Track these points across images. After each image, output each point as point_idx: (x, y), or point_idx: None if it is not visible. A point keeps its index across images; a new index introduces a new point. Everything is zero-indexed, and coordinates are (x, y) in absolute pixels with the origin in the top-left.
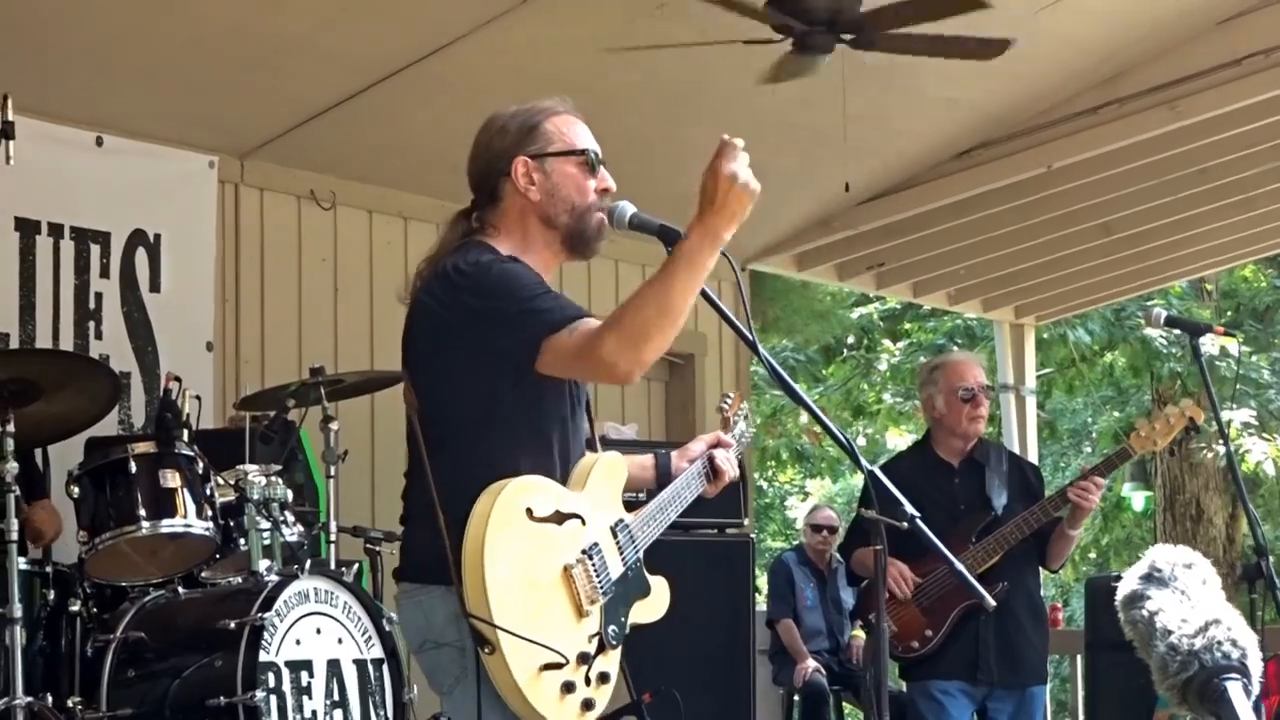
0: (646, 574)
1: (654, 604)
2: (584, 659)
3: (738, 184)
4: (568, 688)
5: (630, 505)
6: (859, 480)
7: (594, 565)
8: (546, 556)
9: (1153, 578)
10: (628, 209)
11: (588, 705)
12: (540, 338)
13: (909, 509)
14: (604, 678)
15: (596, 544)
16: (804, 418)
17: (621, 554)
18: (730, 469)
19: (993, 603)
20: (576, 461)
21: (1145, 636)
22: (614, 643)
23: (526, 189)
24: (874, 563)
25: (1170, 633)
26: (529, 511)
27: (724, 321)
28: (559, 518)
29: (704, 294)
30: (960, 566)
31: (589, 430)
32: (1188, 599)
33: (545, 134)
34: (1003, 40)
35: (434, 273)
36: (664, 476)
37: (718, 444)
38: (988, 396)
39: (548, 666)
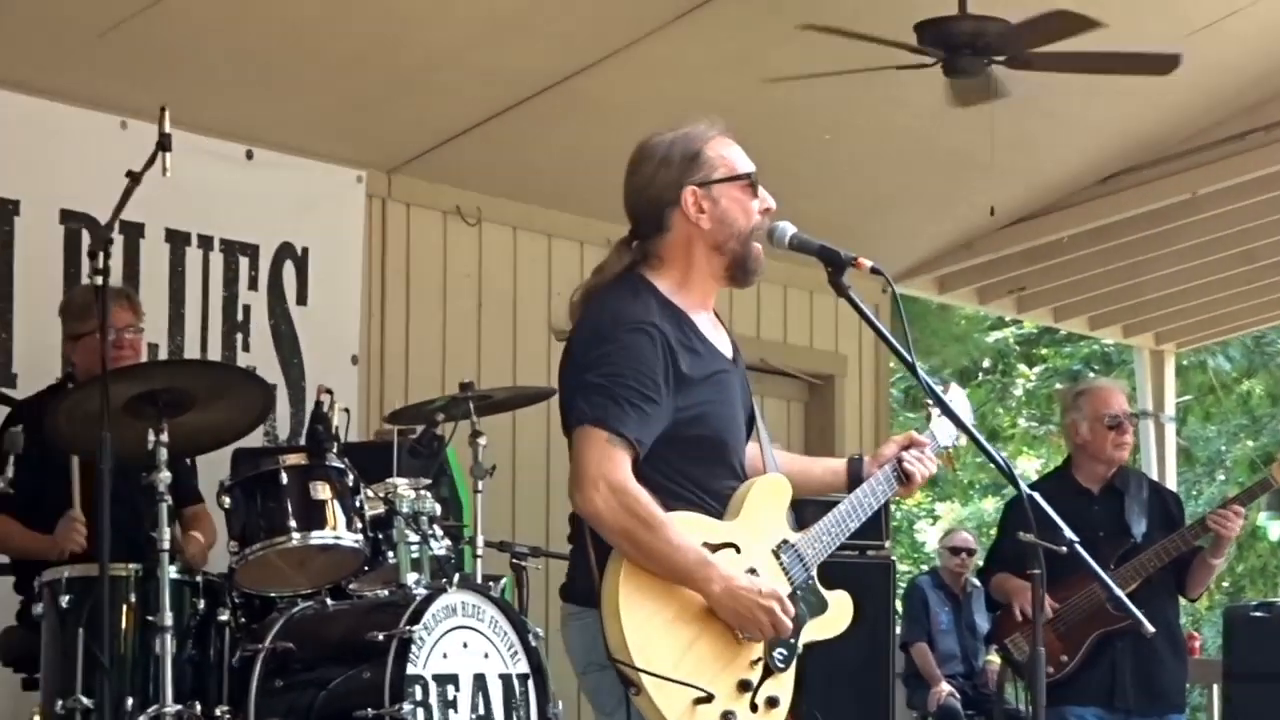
0: (823, 590)
1: (834, 620)
2: (745, 686)
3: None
4: (726, 717)
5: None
6: (989, 505)
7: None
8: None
9: None
10: (788, 229)
11: None
12: (582, 421)
13: (1068, 533)
14: (772, 702)
15: (754, 569)
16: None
17: (788, 574)
18: (921, 469)
19: (1150, 629)
20: (733, 486)
21: None
22: (782, 665)
23: (697, 218)
24: (1031, 586)
25: None
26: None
27: (883, 342)
28: (709, 549)
29: (864, 316)
30: (1119, 592)
31: (758, 450)
32: None
33: (708, 161)
34: (1173, 55)
35: (588, 310)
36: (855, 481)
37: (910, 444)
38: (1132, 424)
39: (699, 701)
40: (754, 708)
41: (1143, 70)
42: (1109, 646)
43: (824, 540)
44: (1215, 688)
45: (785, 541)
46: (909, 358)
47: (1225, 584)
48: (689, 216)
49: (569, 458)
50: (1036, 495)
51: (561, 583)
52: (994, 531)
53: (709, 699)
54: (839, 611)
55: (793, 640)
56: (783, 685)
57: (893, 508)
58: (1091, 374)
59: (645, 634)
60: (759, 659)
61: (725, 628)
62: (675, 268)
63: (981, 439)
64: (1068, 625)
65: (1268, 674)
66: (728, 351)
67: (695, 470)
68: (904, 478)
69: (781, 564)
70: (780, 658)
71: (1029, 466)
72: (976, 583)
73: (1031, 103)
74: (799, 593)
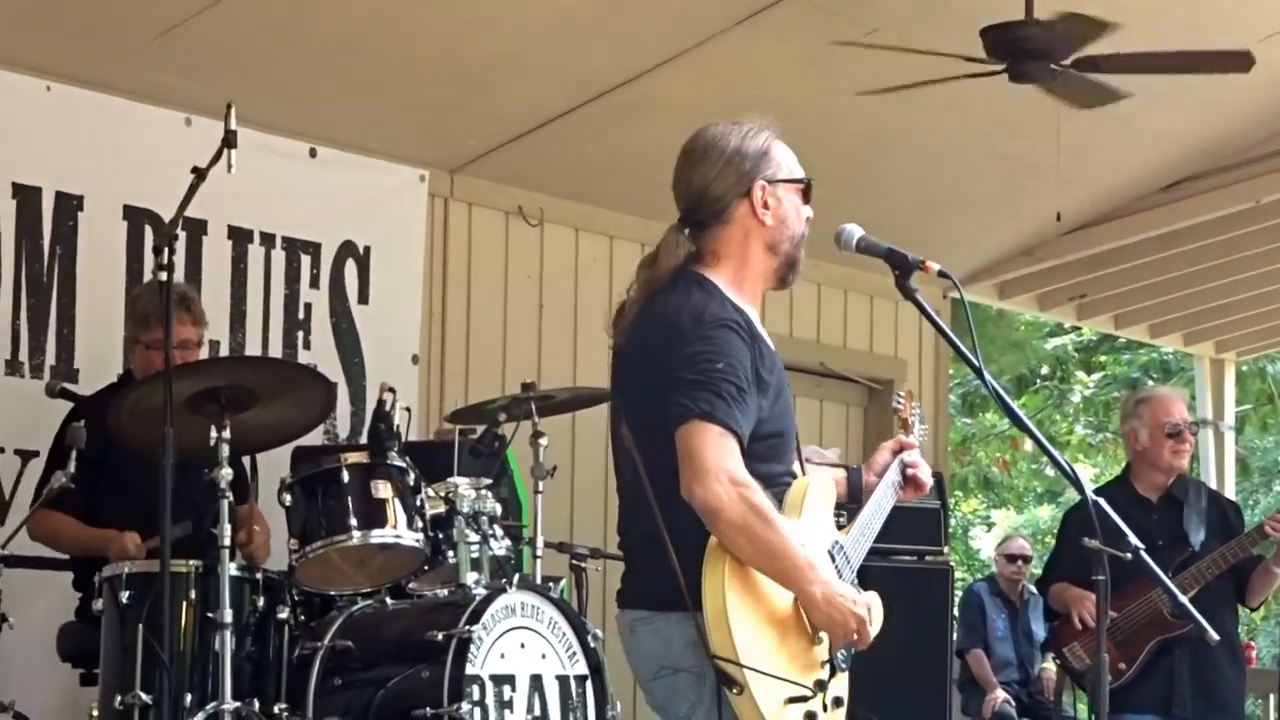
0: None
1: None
2: (820, 685)
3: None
4: (810, 717)
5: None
6: (1045, 512)
7: None
8: (779, 591)
9: None
10: (856, 232)
11: None
12: (689, 417)
13: (1133, 539)
14: (838, 702)
15: (824, 568)
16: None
17: (840, 575)
18: (926, 476)
19: (1215, 636)
20: (792, 474)
21: None
22: (844, 666)
23: (762, 214)
24: (1096, 592)
25: None
26: None
27: (950, 346)
28: None
29: (931, 319)
30: (1184, 599)
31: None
32: None
33: (776, 160)
34: (1244, 52)
35: (655, 312)
36: (854, 490)
37: (901, 448)
38: (1192, 433)
39: (792, 700)
40: (824, 707)
41: (1216, 69)
42: (1167, 654)
43: (861, 542)
44: (1271, 697)
45: (836, 542)
46: (975, 361)
47: None
48: (755, 211)
49: (678, 455)
50: (1102, 501)
51: (619, 589)
52: (1050, 539)
53: (806, 698)
54: (875, 613)
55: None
56: (843, 685)
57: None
58: (1150, 382)
59: (747, 633)
60: (827, 659)
61: (803, 630)
62: (730, 264)
63: (1049, 445)
64: (1126, 633)
65: None
66: (772, 344)
67: (763, 467)
68: (907, 482)
69: (835, 565)
70: (843, 658)
71: (1085, 474)
72: (1033, 590)
73: (1096, 109)
74: None
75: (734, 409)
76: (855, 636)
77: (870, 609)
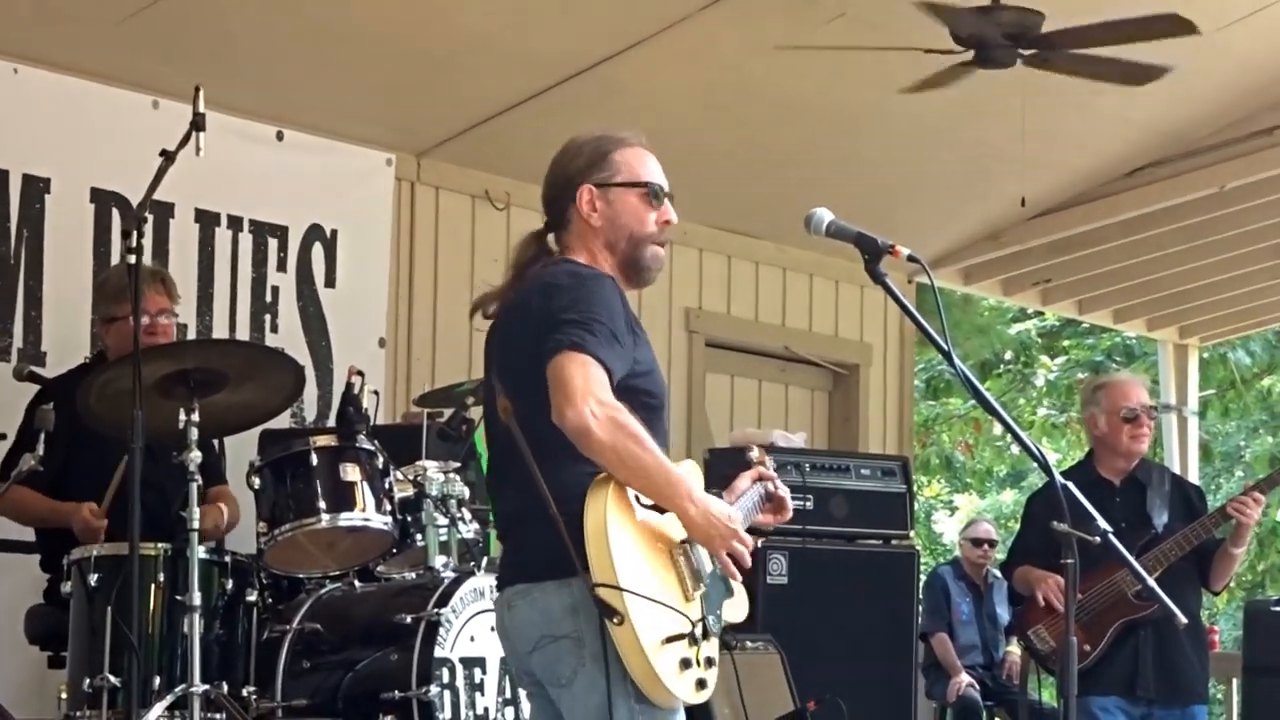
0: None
1: (738, 605)
2: (693, 640)
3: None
4: (685, 663)
5: None
6: (1008, 497)
7: (695, 554)
8: (656, 538)
9: None
10: (825, 216)
11: (701, 684)
12: (561, 347)
13: (1101, 523)
14: (710, 662)
15: (691, 539)
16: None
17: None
18: (788, 498)
19: (1183, 619)
20: None
21: None
22: (714, 631)
23: (589, 215)
24: (1065, 576)
25: None
26: (637, 498)
27: (920, 330)
28: (660, 509)
29: (900, 303)
30: (1152, 582)
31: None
32: None
33: (613, 164)
34: (1160, 67)
35: (530, 280)
36: None
37: (760, 478)
38: (1151, 417)
39: (670, 640)
40: (698, 662)
41: (1128, 80)
42: (1131, 636)
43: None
44: (1234, 681)
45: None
46: (944, 345)
47: (1245, 580)
48: (582, 213)
49: (550, 385)
50: (1071, 485)
51: (497, 577)
52: (1013, 524)
53: (679, 638)
54: (740, 599)
55: (719, 611)
56: (714, 649)
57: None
58: (1114, 366)
59: (627, 565)
60: (701, 619)
61: (680, 581)
62: (583, 258)
63: (1017, 428)
64: (1089, 616)
65: None
66: None
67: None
68: (763, 505)
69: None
70: (714, 620)
71: (1048, 457)
72: (997, 574)
73: (1060, 95)
74: (716, 569)
75: (606, 346)
76: (734, 549)
77: (740, 527)
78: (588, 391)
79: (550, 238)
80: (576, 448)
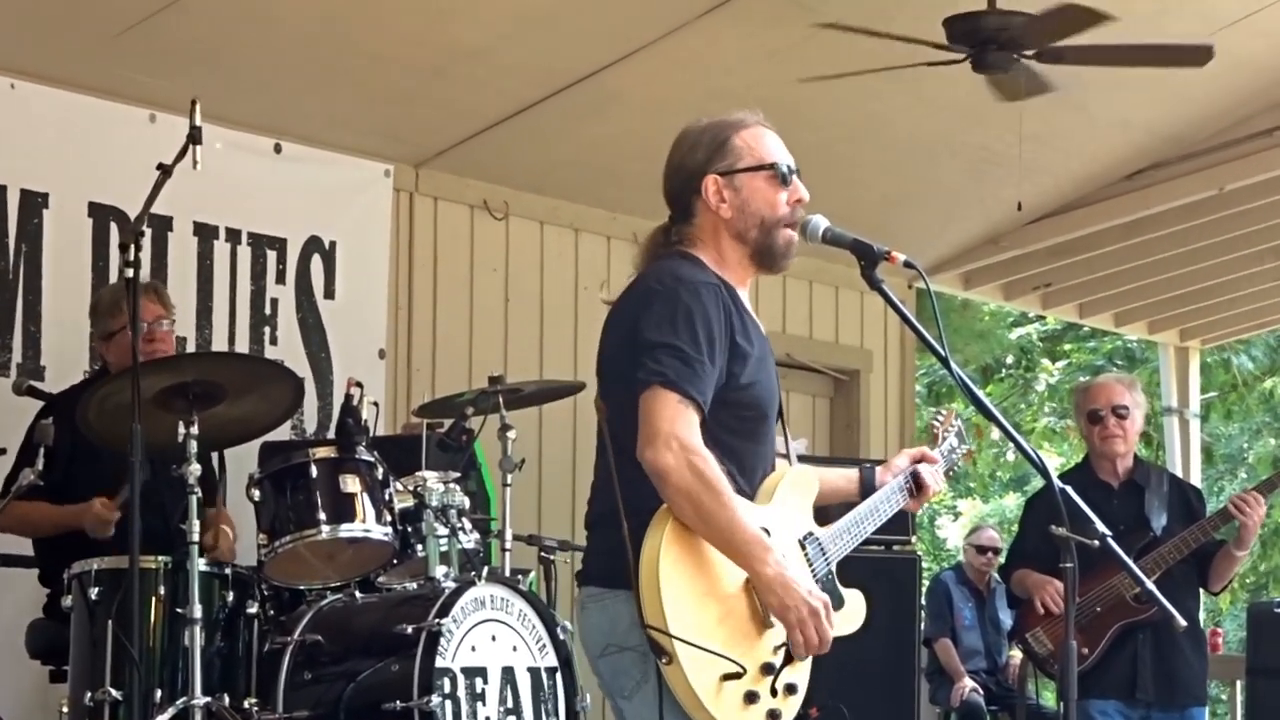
0: (840, 587)
1: (849, 616)
2: (768, 669)
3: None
4: (750, 698)
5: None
6: (1011, 501)
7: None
8: (727, 568)
9: None
10: (821, 224)
11: (773, 715)
12: (651, 381)
13: (1100, 526)
14: (791, 689)
15: (783, 555)
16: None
17: (811, 566)
18: (934, 484)
19: (1183, 622)
20: (764, 474)
21: None
22: (803, 654)
23: (718, 206)
24: (1064, 580)
25: None
26: None
27: (916, 336)
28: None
29: (898, 310)
30: (1151, 585)
31: (783, 443)
32: None
33: (735, 150)
34: (1206, 46)
35: (637, 282)
36: (867, 489)
37: (922, 459)
38: (1121, 417)
39: (728, 677)
40: (774, 692)
41: (1177, 62)
42: (1130, 639)
43: (844, 538)
44: (1238, 684)
45: (811, 534)
46: (942, 351)
47: (1249, 582)
48: (710, 204)
49: (639, 418)
50: (1069, 489)
51: (578, 568)
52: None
53: (738, 675)
54: (854, 609)
55: None
56: (801, 673)
57: None
58: (1114, 369)
59: (681, 605)
60: (782, 644)
61: (754, 609)
62: (708, 250)
63: (1015, 433)
64: (1087, 619)
65: None
66: (764, 332)
67: (735, 441)
68: (915, 490)
69: (806, 555)
70: (790, 644)
71: (1050, 462)
72: (1000, 579)
73: (1059, 98)
74: (820, 584)
75: (697, 375)
76: (806, 628)
77: (827, 606)
78: (672, 434)
79: (673, 231)
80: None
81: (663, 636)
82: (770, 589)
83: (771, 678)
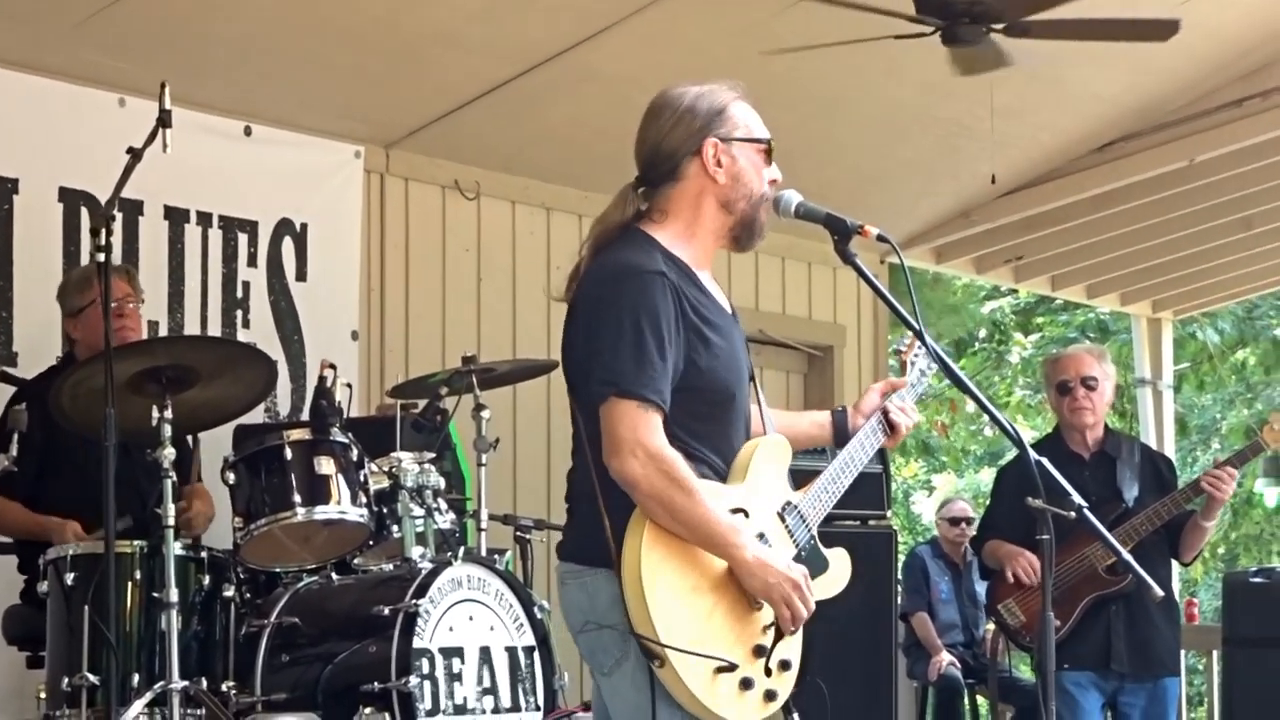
0: (823, 549)
1: (835, 578)
2: (760, 651)
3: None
4: (745, 684)
5: (804, 478)
6: (985, 475)
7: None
8: (710, 558)
9: None
10: (794, 198)
11: (770, 696)
12: (606, 393)
13: (1076, 498)
14: (785, 665)
15: (762, 534)
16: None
17: (792, 536)
18: (905, 420)
19: (1160, 592)
20: (738, 446)
21: None
22: (792, 629)
23: (714, 171)
24: (1040, 552)
25: None
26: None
27: (890, 310)
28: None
29: (871, 284)
30: (1128, 556)
31: (759, 415)
32: None
33: (732, 118)
34: (1172, 21)
35: (593, 270)
36: (840, 433)
37: (891, 389)
38: (1090, 388)
39: (721, 670)
40: (768, 672)
41: (1143, 37)
42: (1102, 611)
43: (823, 499)
44: (1214, 653)
45: (788, 503)
46: (916, 325)
47: (1221, 550)
48: (706, 168)
49: (601, 430)
50: (1045, 461)
51: (559, 541)
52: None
53: (732, 668)
54: (839, 570)
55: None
56: (792, 648)
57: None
58: (1086, 342)
59: (668, 607)
60: (770, 624)
61: (740, 594)
62: (680, 220)
63: (990, 405)
64: (1060, 590)
65: (1267, 639)
66: (727, 308)
67: (703, 426)
68: (890, 428)
69: (786, 526)
70: (778, 620)
71: (1024, 436)
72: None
73: (1029, 71)
74: (802, 554)
75: (652, 375)
76: (792, 603)
77: (805, 576)
78: (636, 442)
79: (639, 193)
80: None
81: (653, 644)
82: (751, 573)
83: (764, 659)
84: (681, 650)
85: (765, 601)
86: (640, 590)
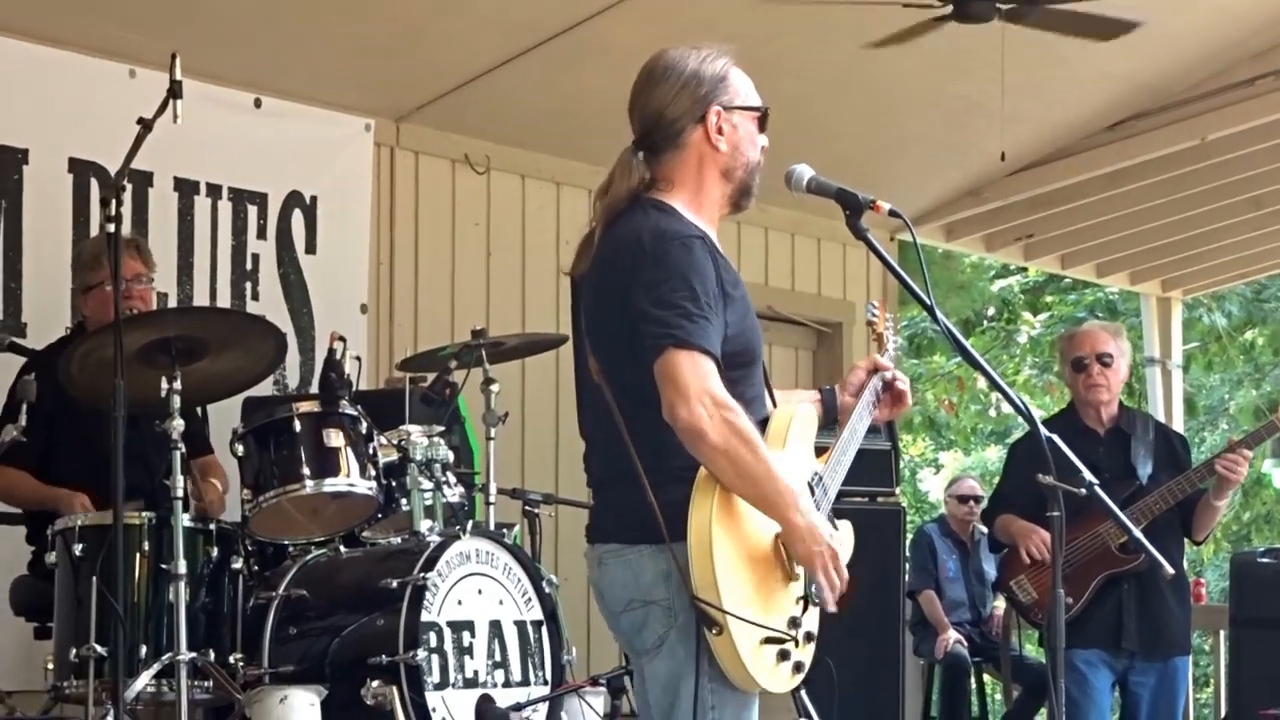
0: (835, 521)
1: (843, 548)
2: (794, 623)
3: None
4: (783, 655)
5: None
6: (993, 453)
7: None
8: (761, 528)
9: None
10: (806, 172)
11: (798, 668)
12: (663, 344)
13: (1087, 475)
14: (810, 637)
15: (790, 547)
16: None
17: (819, 507)
18: (907, 387)
19: (1171, 570)
20: (760, 409)
21: None
22: (816, 600)
23: (716, 140)
24: (1051, 529)
25: None
26: None
27: (902, 286)
28: None
29: (883, 258)
30: (1139, 534)
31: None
32: None
33: (733, 86)
34: (1128, 22)
35: (617, 237)
36: (830, 411)
37: (875, 368)
38: (1105, 365)
39: (768, 640)
40: (796, 643)
41: (1103, 35)
42: (1114, 589)
43: (838, 470)
44: (1221, 633)
45: (816, 473)
46: (928, 300)
47: (1231, 531)
48: (709, 137)
49: (660, 383)
50: (1055, 437)
51: (588, 524)
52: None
53: (782, 640)
54: (846, 538)
55: None
56: (814, 620)
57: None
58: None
59: (729, 577)
60: (802, 595)
61: (780, 563)
62: (686, 189)
63: (1001, 381)
64: (1072, 568)
65: (1274, 620)
66: None
67: (734, 388)
68: (895, 396)
69: (815, 497)
70: (817, 591)
71: (1033, 411)
72: (984, 529)
73: (1042, 49)
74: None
75: (706, 329)
76: (829, 574)
77: (839, 548)
78: (703, 390)
79: (640, 158)
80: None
81: (716, 609)
82: (801, 538)
83: (796, 630)
84: (744, 619)
85: (806, 569)
86: (710, 555)
